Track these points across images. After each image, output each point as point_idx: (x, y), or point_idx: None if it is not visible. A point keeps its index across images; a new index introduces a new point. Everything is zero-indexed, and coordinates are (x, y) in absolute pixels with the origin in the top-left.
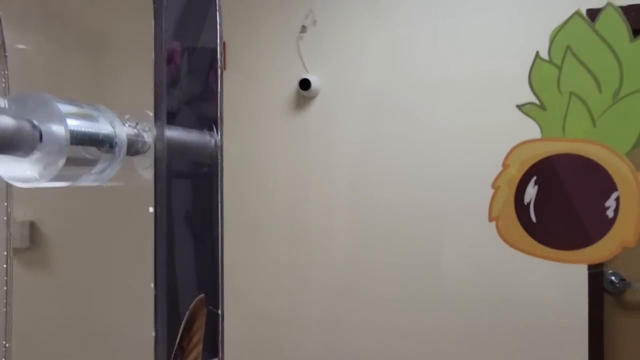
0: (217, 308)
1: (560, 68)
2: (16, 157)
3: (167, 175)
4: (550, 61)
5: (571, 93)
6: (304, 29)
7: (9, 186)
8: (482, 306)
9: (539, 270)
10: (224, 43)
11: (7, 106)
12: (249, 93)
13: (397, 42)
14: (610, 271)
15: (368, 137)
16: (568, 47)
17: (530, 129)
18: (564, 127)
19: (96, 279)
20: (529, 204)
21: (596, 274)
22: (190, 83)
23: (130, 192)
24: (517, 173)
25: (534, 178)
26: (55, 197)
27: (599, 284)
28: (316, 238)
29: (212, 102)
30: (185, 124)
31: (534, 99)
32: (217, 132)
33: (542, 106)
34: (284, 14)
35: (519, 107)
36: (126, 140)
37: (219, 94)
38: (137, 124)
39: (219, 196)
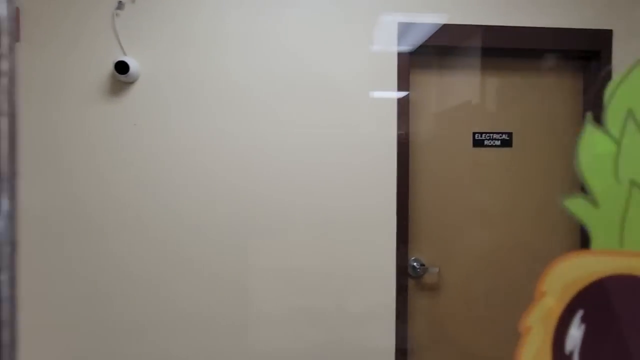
0: None
1: (619, 143)
2: None
3: None
4: (606, 132)
5: (633, 182)
6: (120, 5)
7: None
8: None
9: (356, 268)
10: (16, 8)
11: None
12: (51, 72)
13: (230, 26)
14: (413, 258)
15: (190, 129)
16: (630, 113)
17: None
18: (622, 235)
19: None
20: (571, 353)
21: (402, 260)
22: None
23: None
24: (556, 305)
25: (580, 313)
26: None
27: (404, 270)
28: (127, 239)
29: None
30: None
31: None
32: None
33: (592, 200)
34: None
35: (564, 203)
36: None
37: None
38: None
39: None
